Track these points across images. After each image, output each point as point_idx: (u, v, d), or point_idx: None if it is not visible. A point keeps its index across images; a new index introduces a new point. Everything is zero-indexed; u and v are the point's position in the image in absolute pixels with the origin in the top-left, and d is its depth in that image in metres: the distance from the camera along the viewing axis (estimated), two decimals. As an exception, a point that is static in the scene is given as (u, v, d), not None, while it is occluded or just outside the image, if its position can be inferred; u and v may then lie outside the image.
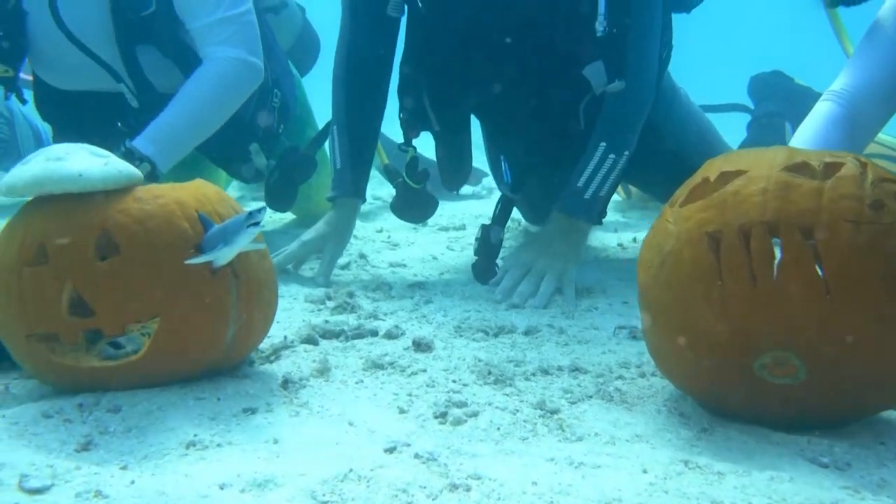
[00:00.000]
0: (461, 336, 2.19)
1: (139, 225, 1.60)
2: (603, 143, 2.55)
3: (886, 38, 2.05)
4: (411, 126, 2.86)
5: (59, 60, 2.87)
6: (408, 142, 2.89)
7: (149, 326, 1.67)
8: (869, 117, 2.06)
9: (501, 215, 2.76)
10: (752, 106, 4.10)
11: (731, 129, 3.30)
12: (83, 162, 1.61)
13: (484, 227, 2.75)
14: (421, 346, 2.06)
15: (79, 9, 2.76)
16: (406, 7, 2.75)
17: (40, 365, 1.64)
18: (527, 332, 2.21)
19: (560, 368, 1.92)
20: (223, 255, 1.61)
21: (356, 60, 2.85)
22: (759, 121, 3.86)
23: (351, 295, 2.56)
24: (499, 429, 1.58)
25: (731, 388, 1.56)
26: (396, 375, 1.87)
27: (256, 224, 1.59)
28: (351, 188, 2.82)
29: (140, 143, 2.68)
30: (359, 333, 2.15)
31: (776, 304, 1.46)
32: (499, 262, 2.74)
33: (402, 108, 2.87)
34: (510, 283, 2.56)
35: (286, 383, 1.76)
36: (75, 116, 3.07)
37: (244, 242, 1.61)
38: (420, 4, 2.68)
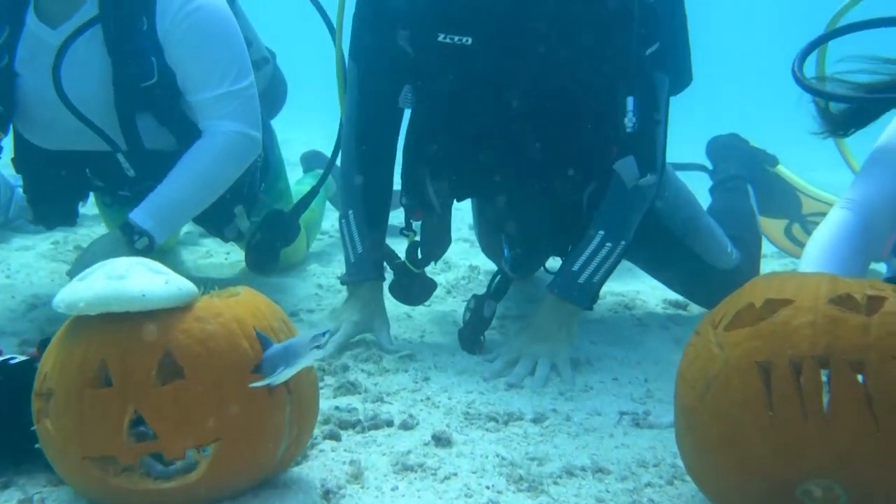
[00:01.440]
0: (472, 424, 2.21)
1: (202, 346, 1.59)
2: (602, 232, 2.61)
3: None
4: (413, 211, 2.88)
5: (51, 125, 2.82)
6: (409, 226, 2.91)
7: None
8: (881, 228, 2.18)
9: (497, 291, 2.81)
10: (709, 166, 4.23)
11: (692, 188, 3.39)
12: (144, 280, 1.58)
13: (477, 299, 2.78)
14: (441, 440, 2.08)
15: (81, 78, 2.72)
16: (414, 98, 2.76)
17: (92, 485, 1.61)
18: (535, 420, 2.25)
19: (584, 469, 1.96)
20: (283, 376, 1.60)
21: (367, 149, 2.87)
22: (724, 184, 3.98)
23: (345, 369, 2.57)
24: (555, 553, 1.61)
25: (773, 510, 1.63)
26: (429, 480, 1.88)
27: (320, 347, 1.58)
28: (374, 272, 2.87)
29: (139, 216, 2.69)
30: (374, 424, 2.16)
31: (826, 436, 1.53)
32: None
33: (405, 194, 2.88)
34: (501, 366, 2.60)
35: (327, 494, 1.77)
36: (52, 171, 3.02)
37: (306, 364, 1.61)
38: (428, 100, 2.71)
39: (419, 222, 2.94)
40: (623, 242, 2.64)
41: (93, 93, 2.73)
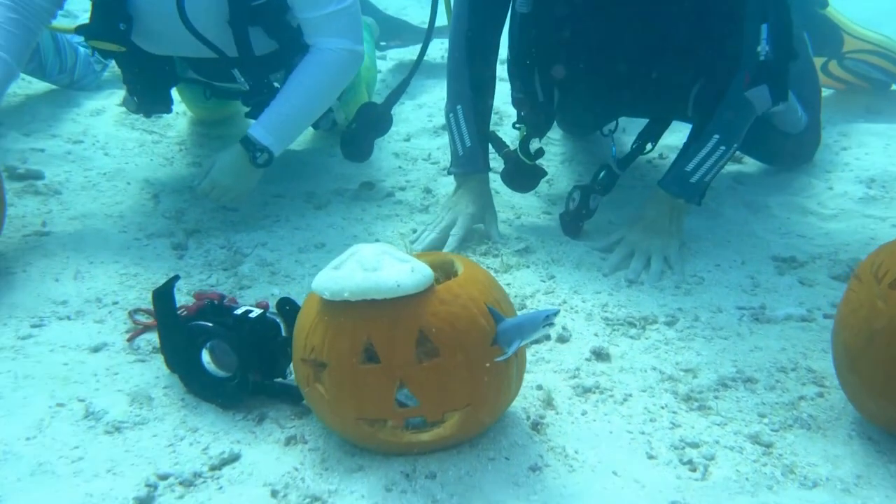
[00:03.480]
0: (616, 331, 2.48)
1: (450, 327, 1.81)
2: (717, 136, 2.78)
3: None
4: (524, 104, 3.02)
5: (164, 35, 2.92)
6: (521, 119, 3.06)
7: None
8: None
9: (603, 185, 3.00)
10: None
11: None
12: (395, 271, 1.79)
13: (583, 191, 2.98)
14: (600, 355, 2.35)
15: (201, 3, 2.80)
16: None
17: (364, 438, 1.90)
18: (668, 323, 2.52)
19: (734, 380, 2.25)
20: (518, 347, 1.84)
21: (476, 47, 3.00)
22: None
23: (474, 266, 2.78)
24: (748, 479, 1.91)
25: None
26: (610, 403, 2.16)
27: (552, 325, 1.81)
28: (482, 164, 3.06)
29: (259, 133, 2.90)
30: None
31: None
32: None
33: (515, 89, 3.01)
34: (618, 260, 2.84)
35: (535, 426, 2.04)
36: (152, 65, 3.14)
37: (538, 337, 1.84)
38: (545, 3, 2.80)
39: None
40: (735, 145, 2.82)
41: (209, 12, 2.84)
